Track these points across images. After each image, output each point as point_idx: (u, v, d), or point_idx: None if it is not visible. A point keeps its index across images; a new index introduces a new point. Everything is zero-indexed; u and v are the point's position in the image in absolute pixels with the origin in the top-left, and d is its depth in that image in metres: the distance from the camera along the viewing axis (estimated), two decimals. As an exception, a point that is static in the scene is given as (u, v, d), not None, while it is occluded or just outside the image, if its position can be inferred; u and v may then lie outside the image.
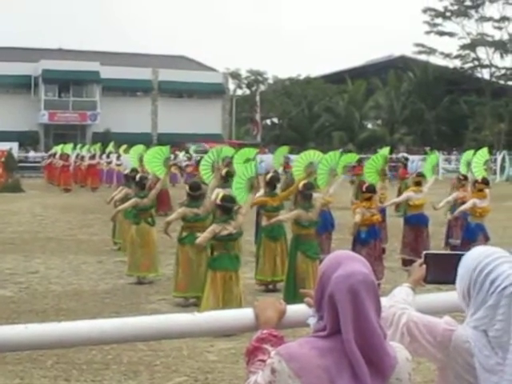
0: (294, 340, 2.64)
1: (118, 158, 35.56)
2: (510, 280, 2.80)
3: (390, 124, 74.51)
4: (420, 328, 2.92)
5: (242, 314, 2.99)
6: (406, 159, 31.03)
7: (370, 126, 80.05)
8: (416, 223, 14.72)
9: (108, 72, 62.64)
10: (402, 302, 3.09)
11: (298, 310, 2.98)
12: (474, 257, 2.91)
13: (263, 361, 2.70)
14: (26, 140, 58.62)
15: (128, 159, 24.81)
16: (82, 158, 39.27)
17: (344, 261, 2.64)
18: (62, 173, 37.19)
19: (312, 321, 2.73)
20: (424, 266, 3.21)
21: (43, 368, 8.08)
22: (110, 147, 40.18)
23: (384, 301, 2.72)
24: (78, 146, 44.48)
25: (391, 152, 63.64)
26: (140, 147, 21.40)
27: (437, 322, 2.93)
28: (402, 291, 3.22)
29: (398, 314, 2.98)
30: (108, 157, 38.79)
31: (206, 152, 55.90)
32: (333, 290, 2.57)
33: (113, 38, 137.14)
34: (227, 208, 10.23)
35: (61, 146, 42.48)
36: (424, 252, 3.15)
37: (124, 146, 36.98)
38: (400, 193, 22.13)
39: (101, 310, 10.78)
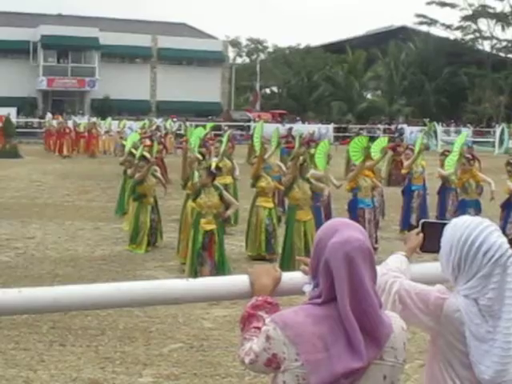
0: (289, 307, 2.63)
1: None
2: (503, 249, 2.81)
3: (390, 95, 74.37)
4: (412, 296, 2.91)
5: (237, 281, 2.96)
6: (401, 133, 31.00)
7: (369, 96, 79.97)
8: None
9: (107, 38, 62.27)
10: (395, 270, 3.07)
11: (293, 277, 2.96)
12: (461, 230, 2.88)
13: (258, 328, 2.69)
14: (25, 106, 58.42)
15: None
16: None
17: (340, 228, 2.62)
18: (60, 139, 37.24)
19: (307, 288, 2.72)
20: (421, 234, 3.19)
21: (39, 333, 8.10)
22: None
23: (377, 269, 2.70)
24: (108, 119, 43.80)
25: (390, 123, 63.95)
26: (135, 135, 20.03)
27: (429, 290, 2.92)
28: (396, 259, 3.20)
29: (390, 281, 2.96)
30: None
31: (249, 120, 56.02)
32: (328, 257, 2.55)
33: (112, 4, 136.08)
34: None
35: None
36: (422, 220, 3.13)
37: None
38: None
39: (97, 276, 10.79)
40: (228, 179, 15.37)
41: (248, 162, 29.63)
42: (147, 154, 14.42)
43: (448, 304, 2.84)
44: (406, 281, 2.99)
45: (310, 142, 31.05)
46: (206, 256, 10.62)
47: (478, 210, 13.26)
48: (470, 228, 2.86)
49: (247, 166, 20.61)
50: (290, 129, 38.49)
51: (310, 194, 11.71)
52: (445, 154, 16.22)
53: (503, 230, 13.65)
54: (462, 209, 13.30)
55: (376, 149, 14.56)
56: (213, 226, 10.76)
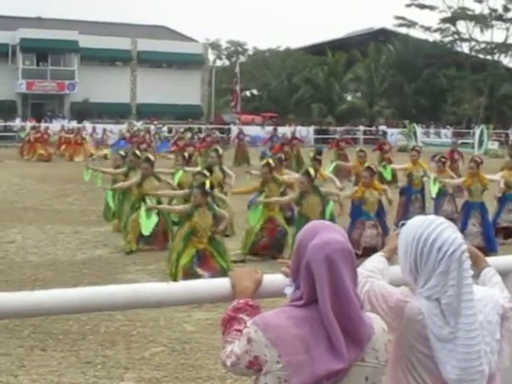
0: (270, 310, 2.63)
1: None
2: (456, 244, 2.83)
3: (370, 96, 74.52)
4: (378, 297, 2.91)
5: (218, 284, 2.96)
6: (384, 133, 31.30)
7: (349, 98, 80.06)
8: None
9: (86, 41, 62.07)
10: (372, 270, 3.08)
11: (274, 279, 2.97)
12: (414, 229, 2.91)
13: (239, 330, 2.69)
14: (4, 109, 58.06)
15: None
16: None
17: (321, 230, 2.62)
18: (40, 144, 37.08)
19: (289, 290, 2.72)
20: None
21: (19, 338, 8.04)
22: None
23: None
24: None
25: (371, 125, 64.16)
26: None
27: (393, 292, 2.92)
28: (375, 259, 3.22)
29: (363, 282, 2.97)
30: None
31: (247, 123, 55.53)
32: (309, 259, 2.55)
33: (92, 7, 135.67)
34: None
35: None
36: (401, 222, 3.15)
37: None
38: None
39: (78, 280, 10.72)
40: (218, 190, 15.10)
41: (234, 165, 29.78)
42: (151, 156, 14.41)
43: (410, 307, 2.84)
44: (377, 281, 3.00)
45: (294, 140, 31.26)
46: (200, 271, 10.36)
47: (484, 211, 13.41)
48: (424, 226, 2.88)
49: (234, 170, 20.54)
50: (275, 129, 38.62)
51: (320, 209, 11.68)
52: (416, 150, 16.49)
53: (494, 223, 14.06)
54: (466, 211, 13.51)
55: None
56: (204, 245, 10.44)
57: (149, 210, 12.41)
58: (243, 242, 12.68)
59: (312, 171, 12.01)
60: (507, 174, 14.56)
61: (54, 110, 63.16)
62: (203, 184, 10.48)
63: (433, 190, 15.19)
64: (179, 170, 15.35)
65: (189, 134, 35.88)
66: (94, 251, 13.18)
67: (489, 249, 12.29)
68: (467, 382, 2.80)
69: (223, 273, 10.07)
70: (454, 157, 23.03)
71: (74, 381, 6.84)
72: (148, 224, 12.66)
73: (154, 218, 12.70)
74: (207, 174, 11.86)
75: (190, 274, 9.92)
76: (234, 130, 48.62)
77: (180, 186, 14.50)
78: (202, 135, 38.08)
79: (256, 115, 65.10)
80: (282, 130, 40.69)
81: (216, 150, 16.02)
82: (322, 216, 11.42)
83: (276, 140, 32.40)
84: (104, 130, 41.35)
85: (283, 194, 13.52)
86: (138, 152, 15.96)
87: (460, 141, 36.02)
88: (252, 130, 47.96)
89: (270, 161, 13.39)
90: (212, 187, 10.76)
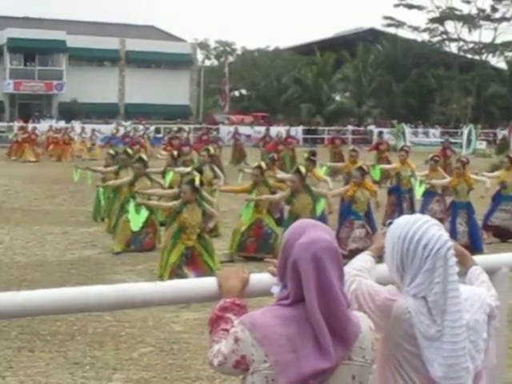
0: (257, 309, 2.63)
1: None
2: (441, 241, 2.84)
3: (358, 96, 74.68)
4: (365, 296, 2.91)
5: (205, 283, 2.96)
6: (381, 133, 31.42)
7: (338, 98, 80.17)
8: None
9: (74, 41, 61.97)
10: (359, 269, 3.08)
11: (261, 278, 2.96)
12: (400, 228, 2.92)
13: (226, 330, 2.69)
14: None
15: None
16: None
17: (307, 229, 2.62)
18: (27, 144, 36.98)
19: (275, 289, 2.72)
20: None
21: (7, 339, 8.01)
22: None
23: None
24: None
25: (359, 125, 64.29)
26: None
27: (380, 291, 2.92)
28: (362, 258, 3.22)
29: (350, 280, 2.96)
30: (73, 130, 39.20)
31: (233, 124, 56.03)
32: (296, 258, 2.55)
33: (80, 7, 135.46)
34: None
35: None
36: (388, 221, 3.15)
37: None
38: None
39: (66, 280, 10.69)
40: (208, 190, 15.02)
41: (231, 163, 29.88)
42: (144, 156, 14.42)
43: (397, 306, 2.84)
44: (365, 280, 3.00)
45: (289, 139, 31.25)
46: (186, 270, 10.33)
47: (470, 211, 13.48)
48: (409, 225, 2.90)
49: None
50: (268, 129, 38.71)
51: (310, 208, 11.72)
52: (404, 150, 16.60)
53: (486, 220, 14.20)
54: (453, 211, 13.57)
55: None
56: (193, 242, 10.35)
57: (138, 206, 12.41)
58: (230, 242, 12.70)
59: (303, 170, 12.03)
60: (503, 175, 14.71)
61: (41, 110, 62.98)
62: (193, 180, 10.47)
63: (418, 191, 15.29)
64: (170, 170, 15.33)
65: (185, 134, 35.96)
66: (83, 252, 13.14)
67: (474, 248, 12.35)
68: (453, 379, 2.81)
69: (210, 273, 10.05)
70: (447, 154, 23.17)
71: (62, 382, 6.82)
72: (137, 219, 12.66)
73: (144, 213, 12.70)
74: (197, 174, 11.83)
75: (176, 274, 9.91)
76: (224, 129, 48.68)
77: (171, 186, 14.50)
78: (193, 135, 38.18)
79: (247, 115, 65.09)
80: (272, 129, 40.76)
81: (207, 150, 16.05)
82: (313, 215, 11.43)
83: (269, 140, 32.40)
84: (93, 130, 41.37)
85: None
86: (129, 151, 15.97)
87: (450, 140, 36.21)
88: (241, 130, 47.99)
89: (262, 164, 13.40)
90: (202, 184, 10.76)
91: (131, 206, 12.64)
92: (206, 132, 39.41)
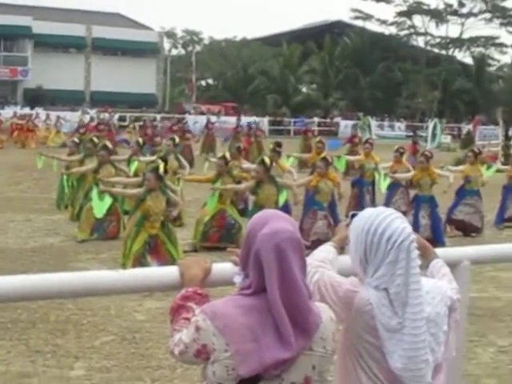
0: (219, 299, 2.63)
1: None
2: (405, 234, 2.86)
3: (325, 88, 74.85)
4: (327, 287, 2.92)
5: (167, 272, 2.95)
6: (355, 126, 31.75)
7: (304, 89, 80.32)
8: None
9: (40, 27, 61.41)
10: (322, 260, 3.09)
11: (223, 268, 2.97)
12: (364, 220, 2.94)
13: (187, 319, 2.68)
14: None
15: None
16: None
17: (270, 219, 2.63)
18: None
19: (238, 279, 2.72)
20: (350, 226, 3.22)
21: (-33, 327, 7.95)
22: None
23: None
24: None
25: (325, 117, 64.49)
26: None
27: (342, 282, 2.93)
28: (324, 249, 3.23)
29: (312, 271, 2.97)
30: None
31: (202, 113, 55.82)
32: (258, 248, 2.56)
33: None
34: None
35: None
36: (351, 212, 3.16)
37: None
38: None
39: (28, 268, 10.59)
40: (172, 180, 14.96)
41: (201, 153, 29.82)
42: (109, 144, 14.33)
43: (359, 297, 2.86)
44: (327, 271, 3.01)
45: (258, 131, 31.26)
46: (149, 259, 10.29)
47: (433, 205, 13.58)
48: (373, 217, 2.91)
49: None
50: (239, 119, 38.92)
51: (275, 199, 11.71)
52: (369, 143, 16.74)
53: (450, 213, 14.36)
54: (416, 204, 13.66)
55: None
56: (157, 230, 10.29)
57: (102, 193, 12.36)
58: (194, 232, 12.69)
59: (267, 160, 12.03)
60: (468, 169, 14.86)
61: (6, 96, 62.33)
62: (157, 168, 10.43)
63: (382, 184, 15.42)
64: (135, 160, 15.26)
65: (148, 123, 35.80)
66: (46, 239, 13.05)
67: (436, 241, 12.45)
68: (412, 371, 2.83)
69: (173, 262, 10.03)
70: (417, 148, 23.36)
71: (23, 370, 6.77)
72: (101, 206, 12.59)
73: (108, 201, 12.64)
74: (161, 162, 11.77)
75: (139, 263, 9.88)
76: (190, 119, 48.59)
77: (136, 175, 14.43)
78: (161, 124, 38.07)
79: (215, 105, 64.98)
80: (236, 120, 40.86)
81: (172, 139, 16.01)
82: (277, 206, 11.45)
83: (241, 130, 32.35)
84: (57, 117, 41.00)
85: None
86: (95, 139, 15.85)
87: (412, 134, 36.59)
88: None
89: (227, 154, 13.38)
90: (166, 171, 10.72)
91: (94, 193, 12.58)
92: (177, 122, 39.24)
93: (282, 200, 12.07)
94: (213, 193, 12.60)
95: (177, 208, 10.76)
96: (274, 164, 13.13)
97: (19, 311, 8.43)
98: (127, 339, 7.75)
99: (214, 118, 44.19)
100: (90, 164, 13.93)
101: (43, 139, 37.27)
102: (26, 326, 8.08)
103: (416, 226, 12.55)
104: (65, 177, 15.13)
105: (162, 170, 10.37)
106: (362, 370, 2.90)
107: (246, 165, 14.99)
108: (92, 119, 38.87)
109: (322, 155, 13.92)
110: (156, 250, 10.24)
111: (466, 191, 14.78)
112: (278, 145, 16.16)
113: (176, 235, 10.74)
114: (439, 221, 13.70)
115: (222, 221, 12.60)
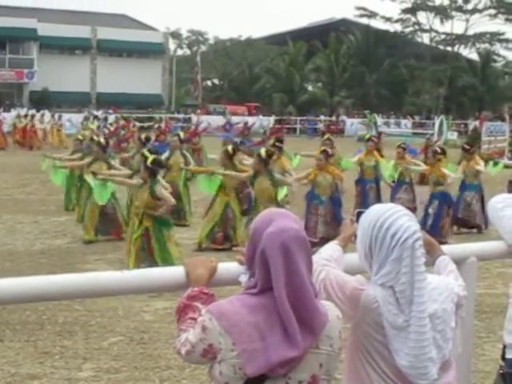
0: (225, 298, 2.63)
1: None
2: (409, 232, 2.86)
3: (330, 87, 74.79)
4: (333, 285, 2.93)
5: (173, 272, 2.95)
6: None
7: (310, 88, 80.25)
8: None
9: (46, 29, 61.38)
10: (327, 259, 3.09)
11: (229, 267, 2.96)
12: (371, 215, 2.94)
13: (194, 319, 2.69)
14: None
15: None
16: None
17: (275, 217, 2.62)
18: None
19: (243, 278, 2.72)
20: (355, 223, 3.22)
21: (-24, 329, 7.96)
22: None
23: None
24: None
25: (331, 114, 64.43)
26: None
27: (348, 280, 2.94)
28: (330, 248, 3.23)
29: (318, 270, 2.98)
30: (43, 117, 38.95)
31: (224, 114, 55.76)
32: (264, 247, 2.55)
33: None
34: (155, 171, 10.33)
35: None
36: (356, 210, 3.16)
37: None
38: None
39: (36, 270, 10.62)
40: (176, 176, 14.86)
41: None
42: (103, 141, 14.24)
43: (365, 295, 2.86)
44: (333, 270, 3.01)
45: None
46: (144, 256, 10.22)
47: (442, 201, 13.58)
48: (380, 213, 2.92)
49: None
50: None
51: (269, 193, 11.68)
52: (372, 140, 16.66)
53: (455, 212, 14.36)
54: (430, 199, 13.79)
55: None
56: (148, 224, 10.15)
57: (102, 181, 12.28)
58: (200, 233, 12.65)
59: (263, 153, 11.89)
60: (464, 165, 14.94)
61: (12, 99, 62.39)
62: (145, 158, 10.36)
63: (387, 176, 15.37)
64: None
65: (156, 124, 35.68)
66: (53, 241, 13.08)
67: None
68: (418, 369, 2.83)
69: (153, 259, 10.04)
70: (428, 153, 23.26)
71: (32, 371, 6.79)
72: (103, 194, 12.48)
73: (111, 186, 12.56)
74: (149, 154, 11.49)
75: (142, 262, 9.93)
76: (194, 118, 48.64)
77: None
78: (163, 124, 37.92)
79: (241, 105, 65.02)
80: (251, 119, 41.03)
81: (178, 135, 16.01)
82: (274, 201, 11.43)
83: (229, 127, 31.98)
84: (59, 115, 41.13)
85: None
86: (95, 137, 15.82)
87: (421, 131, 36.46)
88: (215, 120, 48.12)
89: (229, 148, 13.34)
90: (155, 163, 10.48)
91: (91, 180, 12.56)
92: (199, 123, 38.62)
93: (281, 195, 12.03)
94: (214, 176, 12.56)
95: (165, 206, 10.31)
96: (274, 158, 12.99)
97: (27, 313, 8.46)
98: (135, 340, 7.76)
99: (237, 119, 43.55)
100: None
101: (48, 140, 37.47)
102: (35, 327, 8.09)
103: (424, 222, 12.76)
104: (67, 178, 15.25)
105: (149, 161, 10.26)
106: (371, 366, 2.91)
107: (248, 161, 14.92)
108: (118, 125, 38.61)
109: (322, 148, 13.73)
110: (149, 247, 10.21)
111: (465, 185, 14.95)
112: (279, 140, 16.04)
113: (170, 234, 10.51)
114: (440, 218, 13.64)
115: (226, 224, 12.60)
